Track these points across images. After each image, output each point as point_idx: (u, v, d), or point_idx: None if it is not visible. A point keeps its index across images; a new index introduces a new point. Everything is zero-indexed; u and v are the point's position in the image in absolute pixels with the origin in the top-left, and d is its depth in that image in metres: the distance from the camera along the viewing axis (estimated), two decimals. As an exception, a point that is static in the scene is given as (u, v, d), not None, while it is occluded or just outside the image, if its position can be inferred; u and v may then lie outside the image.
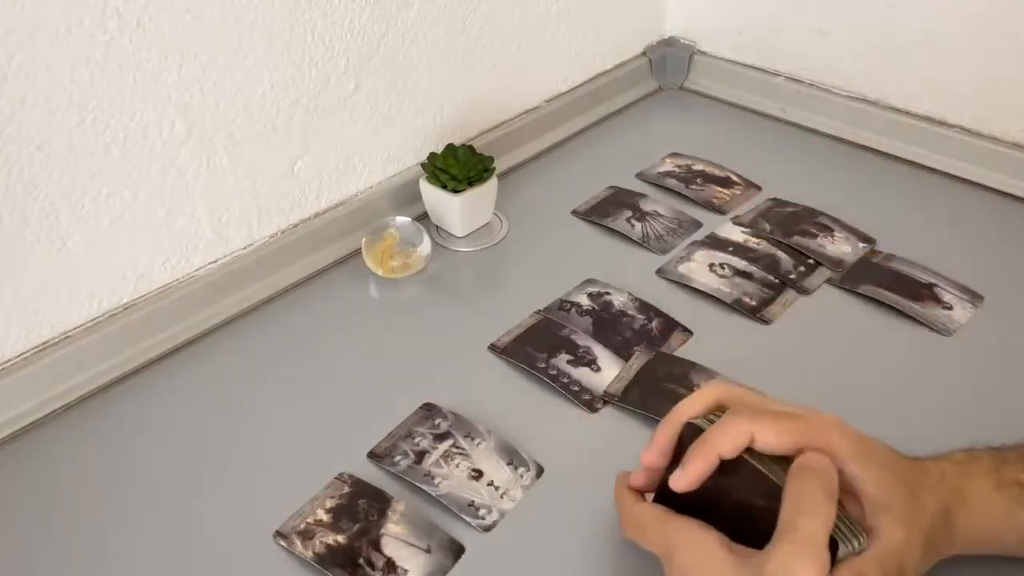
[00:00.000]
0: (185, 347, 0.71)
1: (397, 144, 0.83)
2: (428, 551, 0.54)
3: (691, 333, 0.71)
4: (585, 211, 0.86)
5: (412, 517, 0.56)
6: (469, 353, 0.69)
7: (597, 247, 0.82)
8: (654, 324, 0.71)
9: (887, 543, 0.43)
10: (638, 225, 0.83)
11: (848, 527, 0.43)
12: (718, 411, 0.48)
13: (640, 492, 0.50)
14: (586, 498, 0.56)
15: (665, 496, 0.47)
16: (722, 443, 0.44)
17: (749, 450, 0.45)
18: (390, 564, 0.53)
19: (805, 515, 0.41)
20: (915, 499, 0.45)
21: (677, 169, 0.92)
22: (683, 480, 0.45)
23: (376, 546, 0.54)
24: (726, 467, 0.45)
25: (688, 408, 0.49)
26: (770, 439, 0.44)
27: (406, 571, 0.53)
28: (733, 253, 0.78)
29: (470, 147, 0.82)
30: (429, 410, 0.63)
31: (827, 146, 0.96)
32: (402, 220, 0.79)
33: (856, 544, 0.43)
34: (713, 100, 1.05)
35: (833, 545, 0.42)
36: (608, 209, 0.85)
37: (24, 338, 0.64)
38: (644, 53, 1.07)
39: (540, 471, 0.59)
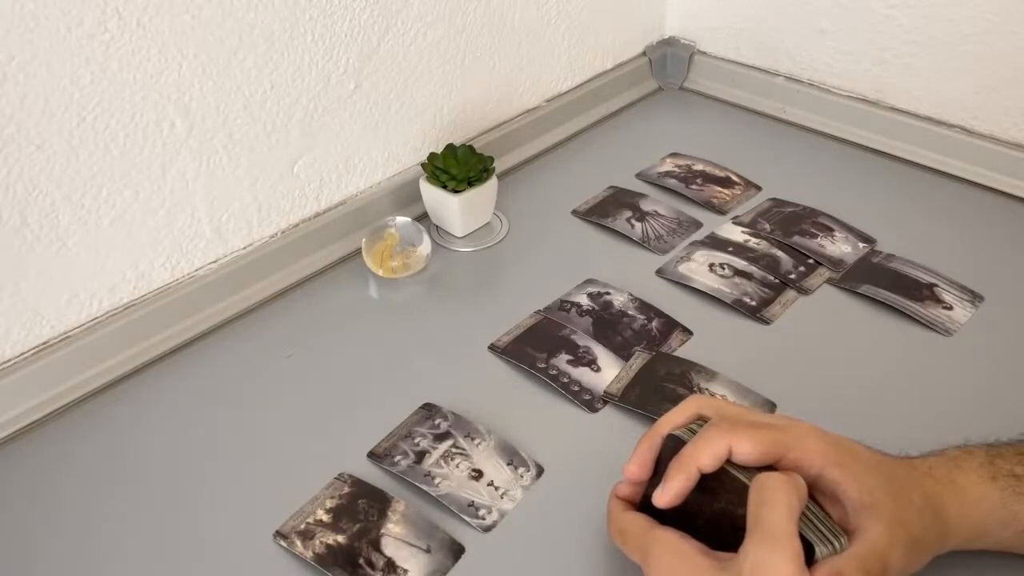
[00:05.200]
0: (185, 347, 0.71)
1: (397, 144, 0.83)
2: (428, 551, 0.54)
3: (691, 333, 0.71)
4: (585, 211, 0.86)
5: (412, 517, 0.56)
6: (469, 353, 0.69)
7: (597, 247, 0.82)
8: (654, 324, 0.71)
9: (869, 541, 0.43)
10: (638, 225, 0.83)
11: (828, 528, 0.44)
12: (700, 420, 0.49)
13: (629, 501, 0.50)
14: (586, 498, 0.56)
15: (650, 506, 0.47)
16: (701, 457, 0.45)
17: (730, 461, 0.46)
18: (390, 564, 0.53)
19: (768, 506, 0.42)
20: (901, 496, 0.45)
21: (677, 169, 0.92)
22: (665, 497, 0.46)
23: (376, 546, 0.54)
24: (708, 478, 0.46)
25: (669, 422, 0.50)
26: (747, 449, 0.45)
27: (406, 571, 0.53)
28: (733, 253, 0.78)
29: (470, 147, 0.82)
30: (429, 410, 0.63)
31: (827, 146, 0.96)
32: (402, 220, 0.79)
33: (837, 545, 0.43)
34: (713, 100, 1.05)
35: (809, 547, 0.42)
36: (608, 209, 0.85)
37: (24, 338, 0.64)
38: (644, 53, 1.07)
39: (540, 471, 0.59)
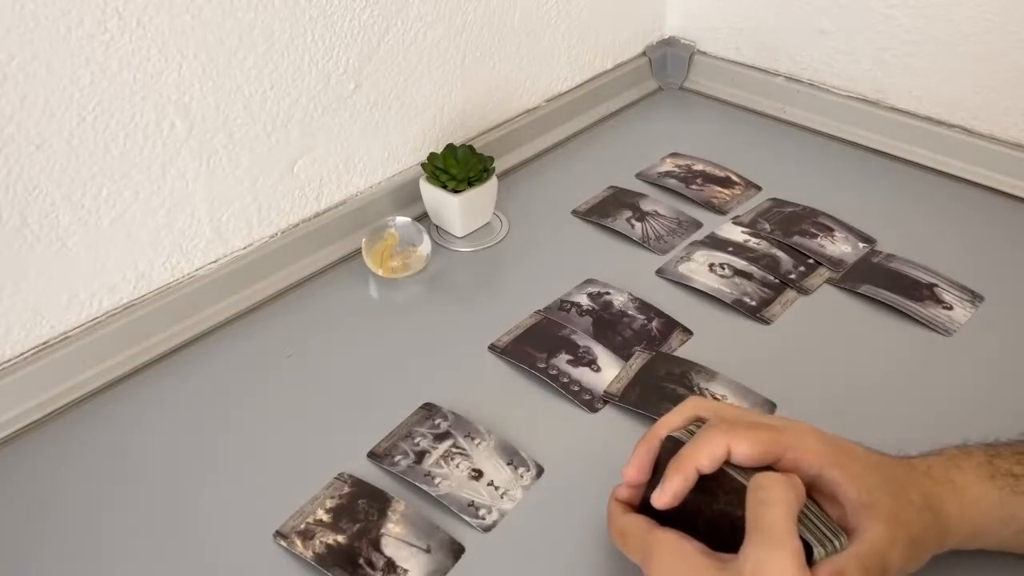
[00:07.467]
0: (185, 347, 0.71)
1: (397, 144, 0.83)
2: (428, 551, 0.54)
3: (691, 333, 0.71)
4: (585, 211, 0.86)
5: (412, 517, 0.56)
6: (469, 353, 0.69)
7: (597, 247, 0.82)
8: (654, 324, 0.71)
9: (869, 541, 0.43)
10: (638, 225, 0.83)
11: (827, 528, 0.44)
12: (698, 422, 0.49)
13: (629, 503, 0.50)
14: (586, 498, 0.56)
15: (650, 507, 0.47)
16: (700, 458, 0.45)
17: (729, 462, 0.46)
18: (390, 564, 0.53)
19: (766, 505, 0.42)
20: (900, 496, 0.45)
21: (677, 169, 0.92)
22: (663, 497, 0.46)
23: (376, 546, 0.54)
24: (707, 479, 0.46)
25: (666, 424, 0.50)
26: (746, 450, 0.45)
27: (406, 571, 0.53)
28: (733, 253, 0.78)
29: (470, 147, 0.82)
30: (429, 410, 0.63)
31: (827, 146, 0.96)
32: (402, 220, 0.79)
33: (837, 544, 0.43)
34: (713, 100, 1.05)
35: (808, 548, 0.42)
36: (608, 209, 0.85)
37: (24, 338, 0.65)
38: (644, 53, 1.07)
39: (540, 471, 0.59)
